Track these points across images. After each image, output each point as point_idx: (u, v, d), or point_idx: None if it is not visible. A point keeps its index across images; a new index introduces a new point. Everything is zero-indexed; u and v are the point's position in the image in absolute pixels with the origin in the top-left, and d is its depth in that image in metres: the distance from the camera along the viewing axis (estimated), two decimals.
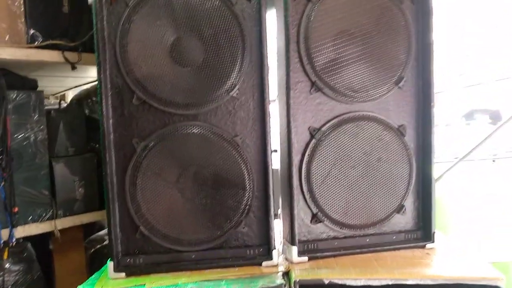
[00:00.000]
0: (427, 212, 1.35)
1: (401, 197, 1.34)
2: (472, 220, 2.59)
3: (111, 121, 1.19)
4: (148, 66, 1.18)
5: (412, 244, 1.34)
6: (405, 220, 1.36)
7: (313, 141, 1.27)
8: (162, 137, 1.21)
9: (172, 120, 1.21)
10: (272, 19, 1.30)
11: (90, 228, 2.29)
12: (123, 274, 1.19)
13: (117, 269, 1.19)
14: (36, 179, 1.75)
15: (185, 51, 1.19)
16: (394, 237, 1.34)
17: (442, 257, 1.28)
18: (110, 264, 1.19)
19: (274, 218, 1.26)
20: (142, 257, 1.22)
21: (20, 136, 1.70)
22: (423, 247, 1.34)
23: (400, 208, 1.34)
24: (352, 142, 1.29)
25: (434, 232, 1.34)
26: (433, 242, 1.33)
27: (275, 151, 1.65)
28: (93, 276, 1.21)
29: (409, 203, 1.36)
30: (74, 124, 1.94)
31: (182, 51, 1.19)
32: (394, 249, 1.32)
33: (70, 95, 2.74)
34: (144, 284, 1.14)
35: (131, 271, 1.20)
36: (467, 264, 1.22)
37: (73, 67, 1.82)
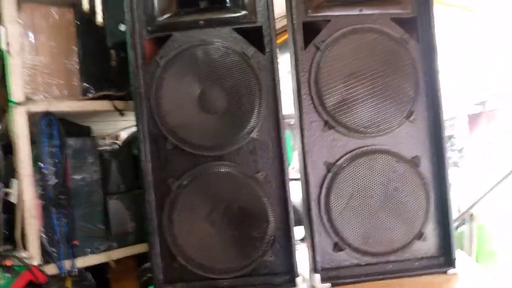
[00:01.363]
0: (448, 238, 1.40)
1: (420, 224, 1.40)
2: None
3: (149, 164, 1.37)
4: (179, 116, 1.36)
5: (433, 270, 1.38)
6: (426, 246, 1.41)
7: (330, 174, 1.38)
8: (193, 176, 1.37)
9: (201, 161, 1.38)
10: (287, 64, 1.44)
11: (143, 257, 2.50)
12: None
13: None
14: (93, 215, 1.97)
15: (210, 101, 1.37)
16: (416, 264, 1.40)
17: (462, 284, 1.32)
18: None
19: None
20: (180, 284, 1.37)
21: (78, 177, 1.94)
22: (445, 272, 1.38)
23: (420, 235, 1.40)
24: (367, 174, 1.38)
25: (455, 258, 1.38)
26: (454, 267, 1.37)
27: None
28: None
29: (429, 230, 1.41)
30: (124, 164, 2.16)
31: (207, 101, 1.37)
32: (416, 275, 1.37)
33: (123, 134, 3.03)
34: None
35: None
36: None
37: (122, 114, 2.06)
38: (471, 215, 2.34)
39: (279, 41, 2.06)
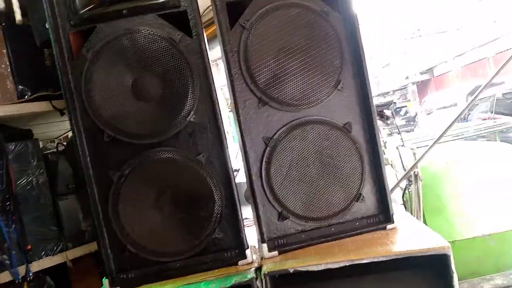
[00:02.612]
0: (384, 197, 1.48)
1: (357, 187, 1.48)
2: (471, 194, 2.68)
3: (88, 158, 1.37)
4: (112, 107, 1.36)
5: (373, 227, 1.47)
6: (365, 207, 1.49)
7: (268, 148, 1.43)
8: (134, 165, 1.38)
9: (141, 150, 1.39)
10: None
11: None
12: None
13: (112, 285, 1.37)
14: (44, 218, 1.96)
15: (143, 89, 1.37)
16: (357, 223, 1.48)
17: (399, 236, 1.41)
18: (106, 282, 1.37)
19: None
20: (133, 271, 1.40)
21: (23, 182, 1.91)
22: (384, 228, 1.47)
23: (358, 197, 1.48)
24: (303, 145, 1.44)
25: (393, 214, 1.48)
26: (392, 222, 1.47)
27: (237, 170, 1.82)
28: None
29: (366, 191, 1.49)
30: (72, 163, 2.14)
31: (140, 89, 1.37)
32: (357, 234, 1.46)
33: (71, 135, 2.96)
34: None
35: (125, 285, 1.37)
36: (420, 239, 1.35)
37: (62, 113, 2.03)
38: (416, 173, 2.48)
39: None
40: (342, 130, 1.46)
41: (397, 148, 2.77)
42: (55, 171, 2.06)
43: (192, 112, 1.39)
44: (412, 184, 2.64)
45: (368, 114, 1.47)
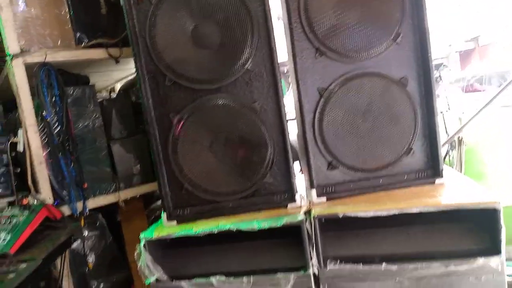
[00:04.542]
0: (435, 152, 1.50)
1: (408, 141, 1.49)
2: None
3: (150, 101, 1.44)
4: (175, 52, 1.41)
5: (422, 181, 1.50)
6: (415, 161, 1.51)
7: (322, 99, 1.45)
8: (192, 110, 1.45)
9: (200, 95, 1.45)
10: None
11: (149, 199, 2.63)
12: (175, 222, 1.46)
13: (169, 218, 1.47)
14: (99, 159, 2.07)
15: (203, 35, 1.41)
16: (405, 177, 1.51)
17: (449, 190, 1.44)
18: (163, 215, 1.47)
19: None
20: (189, 208, 1.49)
21: (80, 125, 2.02)
22: (433, 183, 1.49)
23: (408, 151, 1.50)
24: (357, 97, 1.46)
25: (442, 169, 1.49)
26: (441, 177, 1.49)
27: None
28: (151, 226, 1.50)
29: (417, 146, 1.51)
30: (124, 111, 2.23)
31: (201, 35, 1.41)
32: (405, 186, 1.49)
33: (118, 86, 3.07)
34: (192, 228, 1.40)
35: (181, 219, 1.47)
36: (469, 193, 1.37)
37: (117, 61, 2.10)
38: (460, 139, 2.45)
39: None
40: (398, 84, 1.46)
41: (441, 113, 2.73)
42: (109, 117, 2.16)
43: (250, 60, 1.42)
44: (454, 149, 2.62)
45: (425, 69, 1.46)
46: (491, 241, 1.29)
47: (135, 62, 1.41)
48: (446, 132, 2.84)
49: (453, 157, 2.65)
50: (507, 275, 1.32)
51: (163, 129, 1.46)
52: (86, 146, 2.04)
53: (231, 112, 1.46)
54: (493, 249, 1.27)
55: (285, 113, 1.45)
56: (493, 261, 1.26)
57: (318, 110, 1.46)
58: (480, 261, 1.26)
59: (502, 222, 1.26)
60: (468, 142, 2.53)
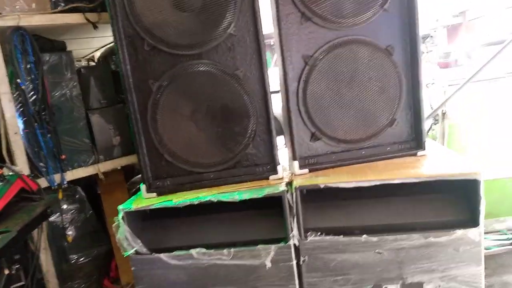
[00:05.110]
0: (418, 124, 1.48)
1: (393, 111, 1.47)
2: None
3: (128, 66, 1.38)
4: (154, 15, 1.34)
5: (404, 153, 1.49)
6: (398, 132, 1.50)
7: (307, 67, 1.41)
8: (173, 76, 1.39)
9: (180, 61, 1.39)
10: None
11: (130, 172, 2.58)
12: (155, 194, 1.43)
13: (149, 190, 1.43)
14: (77, 130, 2.01)
15: None
16: (388, 148, 1.50)
17: (431, 161, 1.43)
18: (143, 187, 1.43)
19: None
20: (169, 179, 1.45)
21: (57, 93, 1.94)
22: (415, 154, 1.48)
23: (392, 122, 1.48)
24: (343, 65, 1.42)
25: (425, 141, 1.48)
26: (424, 149, 1.48)
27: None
28: (131, 198, 1.46)
29: (401, 117, 1.49)
30: (103, 79, 2.16)
31: None
32: (388, 158, 1.48)
33: (97, 55, 2.96)
34: (172, 200, 1.37)
35: (161, 191, 1.44)
36: (451, 165, 1.36)
37: (95, 27, 2.01)
38: (444, 113, 2.45)
39: None
40: (384, 53, 1.43)
41: (426, 86, 2.72)
42: (87, 86, 2.08)
43: (232, 24, 1.37)
44: (438, 123, 2.62)
45: (412, 38, 1.43)
46: (470, 213, 1.29)
47: (112, 26, 1.34)
48: (431, 106, 2.84)
49: (436, 132, 2.66)
50: (485, 248, 1.34)
51: (142, 96, 1.41)
52: (64, 116, 1.97)
53: (213, 80, 1.41)
54: (472, 221, 1.27)
55: (269, 82, 1.41)
56: (472, 233, 1.27)
57: (303, 78, 1.42)
58: (459, 232, 1.27)
59: (482, 193, 1.26)
60: (452, 116, 2.53)
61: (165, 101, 1.40)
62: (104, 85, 2.14)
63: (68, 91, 1.98)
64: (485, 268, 1.32)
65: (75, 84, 1.99)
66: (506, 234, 2.45)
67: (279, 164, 1.43)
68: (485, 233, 1.36)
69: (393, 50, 1.43)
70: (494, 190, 2.61)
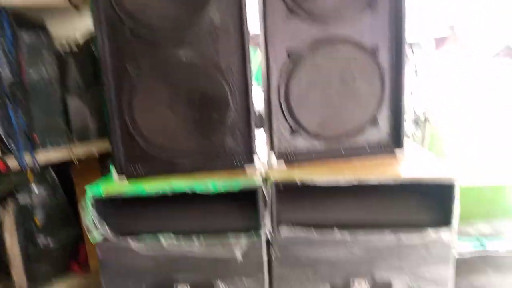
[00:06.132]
0: (398, 123, 1.48)
1: (374, 111, 1.46)
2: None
3: (107, 49, 1.34)
4: None
5: (383, 153, 1.48)
6: (378, 132, 1.49)
7: (291, 62, 1.39)
8: (152, 62, 1.35)
9: (161, 46, 1.35)
10: None
11: (106, 158, 2.52)
12: (125, 179, 1.39)
13: (120, 175, 1.39)
14: (52, 110, 1.94)
15: None
16: (367, 147, 1.49)
17: (409, 163, 1.43)
18: (112, 168, 1.39)
19: None
20: (141, 164, 1.41)
21: (33, 71, 1.88)
22: (394, 154, 1.48)
23: (373, 121, 1.47)
24: (327, 63, 1.40)
25: (403, 142, 1.48)
26: (403, 150, 1.47)
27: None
28: (99, 179, 1.42)
29: (383, 117, 1.48)
30: (83, 63, 2.10)
31: None
32: (367, 157, 1.47)
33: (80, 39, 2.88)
34: (144, 188, 1.33)
35: (132, 175, 1.40)
36: (429, 168, 1.36)
37: (77, 8, 1.95)
38: (425, 117, 2.46)
39: None
40: (369, 52, 1.42)
41: (411, 93, 2.73)
42: (66, 66, 2.02)
43: (216, 12, 1.33)
44: (419, 127, 2.64)
45: (398, 39, 1.42)
46: (444, 214, 1.30)
47: (91, 8, 1.30)
48: (414, 111, 2.86)
49: (417, 137, 2.67)
50: (458, 253, 1.35)
51: (120, 81, 1.36)
52: (38, 95, 1.90)
53: (194, 68, 1.37)
54: (445, 222, 1.29)
55: (251, 74, 1.38)
56: (444, 233, 1.28)
57: (286, 73, 1.40)
58: (431, 232, 1.28)
59: (457, 197, 1.26)
60: (433, 123, 2.55)
61: (143, 86, 1.36)
62: (83, 67, 2.08)
63: (45, 70, 1.92)
64: (456, 272, 1.33)
65: (53, 63, 1.93)
66: (478, 240, 2.48)
67: (256, 154, 1.41)
68: (459, 237, 1.37)
69: (378, 50, 1.42)
70: (469, 196, 2.63)
